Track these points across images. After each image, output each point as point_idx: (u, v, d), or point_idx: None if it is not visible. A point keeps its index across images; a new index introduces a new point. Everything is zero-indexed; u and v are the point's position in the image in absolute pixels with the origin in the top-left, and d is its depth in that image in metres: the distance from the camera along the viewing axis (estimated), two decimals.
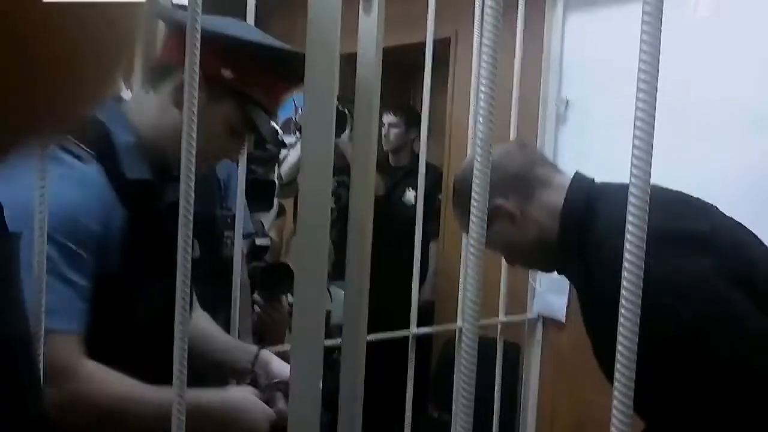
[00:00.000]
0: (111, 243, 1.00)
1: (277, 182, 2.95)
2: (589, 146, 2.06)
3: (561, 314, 2.13)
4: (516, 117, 1.93)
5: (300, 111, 4.71)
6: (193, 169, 0.79)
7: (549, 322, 2.19)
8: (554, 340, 2.19)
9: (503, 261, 2.02)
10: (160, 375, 0.86)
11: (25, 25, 0.23)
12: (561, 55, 2.05)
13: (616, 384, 0.53)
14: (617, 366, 0.54)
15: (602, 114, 2.01)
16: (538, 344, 2.20)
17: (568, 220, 1.20)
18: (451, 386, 1.99)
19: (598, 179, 2.14)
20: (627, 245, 0.53)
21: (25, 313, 0.57)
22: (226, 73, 1.06)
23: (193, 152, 0.79)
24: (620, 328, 0.53)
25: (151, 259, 1.02)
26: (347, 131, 2.24)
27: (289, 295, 2.38)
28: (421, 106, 1.80)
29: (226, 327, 1.69)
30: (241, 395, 1.11)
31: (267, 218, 2.97)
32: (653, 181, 0.53)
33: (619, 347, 0.53)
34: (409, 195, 3.33)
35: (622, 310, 0.52)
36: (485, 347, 2.35)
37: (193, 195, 0.82)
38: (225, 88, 1.07)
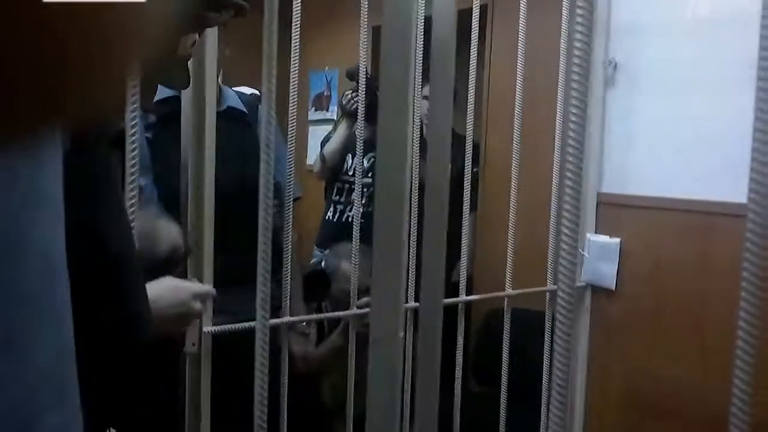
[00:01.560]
0: None
1: (320, 162, 2.95)
2: (638, 109, 2.02)
3: (611, 282, 2.11)
4: (564, 80, 1.89)
5: (329, 86, 4.68)
6: (272, 145, 0.78)
7: (598, 291, 2.17)
8: (604, 309, 2.17)
9: (549, 229, 2.01)
10: None
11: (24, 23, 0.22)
12: (608, 16, 2.01)
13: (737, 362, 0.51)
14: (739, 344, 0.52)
15: (651, 76, 1.97)
16: (587, 312, 2.18)
17: None
18: (492, 360, 1.98)
19: (645, 142, 2.09)
20: (749, 213, 0.51)
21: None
22: None
23: (273, 133, 0.78)
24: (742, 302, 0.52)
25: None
26: None
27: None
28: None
29: (277, 292, 1.70)
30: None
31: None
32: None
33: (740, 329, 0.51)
34: None
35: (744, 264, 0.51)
36: (531, 320, 2.33)
37: (272, 189, 0.82)
38: None
